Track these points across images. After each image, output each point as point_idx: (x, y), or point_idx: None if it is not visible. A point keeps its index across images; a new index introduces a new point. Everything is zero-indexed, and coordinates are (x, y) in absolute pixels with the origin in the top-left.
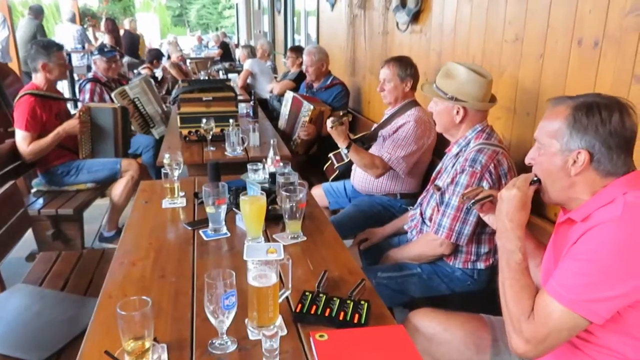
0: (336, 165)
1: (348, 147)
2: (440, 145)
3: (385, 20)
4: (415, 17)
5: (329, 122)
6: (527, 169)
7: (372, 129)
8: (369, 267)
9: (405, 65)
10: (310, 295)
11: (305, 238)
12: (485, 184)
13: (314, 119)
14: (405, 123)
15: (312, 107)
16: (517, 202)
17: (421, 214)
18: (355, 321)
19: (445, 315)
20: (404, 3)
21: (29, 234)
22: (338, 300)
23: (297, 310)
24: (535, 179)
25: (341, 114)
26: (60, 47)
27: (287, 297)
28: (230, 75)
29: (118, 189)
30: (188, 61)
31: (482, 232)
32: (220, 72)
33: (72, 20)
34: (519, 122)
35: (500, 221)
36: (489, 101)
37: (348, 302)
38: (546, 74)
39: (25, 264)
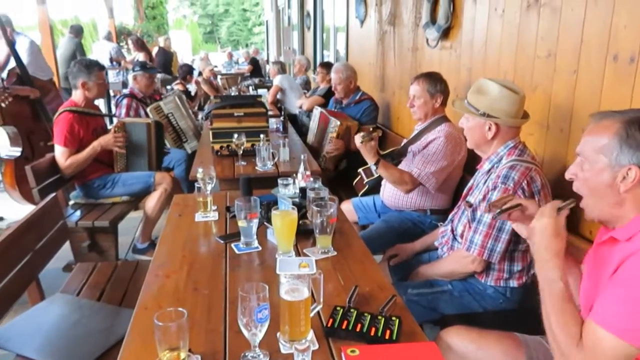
0: (365, 180)
1: (377, 164)
2: (472, 162)
3: (415, 36)
4: (445, 33)
5: (358, 138)
6: (562, 185)
7: (402, 144)
8: (399, 283)
9: (435, 81)
10: (342, 310)
11: (335, 253)
12: None
13: (341, 134)
14: (435, 139)
15: (338, 122)
16: (550, 231)
17: (452, 231)
18: (387, 337)
19: (479, 334)
20: (434, 19)
21: (65, 245)
22: (369, 316)
23: (329, 325)
24: (563, 204)
25: (371, 129)
26: (101, 67)
27: (318, 312)
28: (260, 91)
29: (151, 202)
30: (219, 77)
31: (514, 249)
32: (250, 88)
33: (109, 38)
34: (552, 139)
35: (537, 253)
36: (522, 117)
37: (379, 317)
38: (580, 89)
39: (62, 274)
